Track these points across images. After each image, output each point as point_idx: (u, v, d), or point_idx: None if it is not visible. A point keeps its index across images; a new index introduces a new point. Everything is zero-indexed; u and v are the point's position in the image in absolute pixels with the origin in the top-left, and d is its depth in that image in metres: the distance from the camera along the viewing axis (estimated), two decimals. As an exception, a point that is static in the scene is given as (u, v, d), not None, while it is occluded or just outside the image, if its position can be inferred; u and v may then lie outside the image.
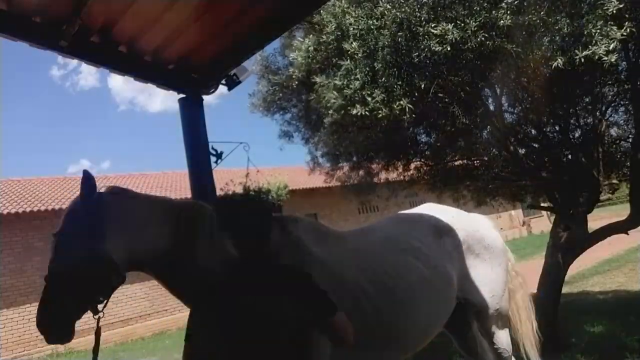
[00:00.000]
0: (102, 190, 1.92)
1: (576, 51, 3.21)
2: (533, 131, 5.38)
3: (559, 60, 3.26)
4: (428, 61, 3.72)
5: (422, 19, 3.57)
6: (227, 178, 8.51)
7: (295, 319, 1.46)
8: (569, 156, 5.27)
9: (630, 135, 5.24)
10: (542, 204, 6.64)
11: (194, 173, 3.23)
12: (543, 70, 3.68)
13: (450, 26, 3.36)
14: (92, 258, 1.70)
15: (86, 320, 1.81)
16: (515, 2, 3.43)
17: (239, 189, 7.57)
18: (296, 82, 4.96)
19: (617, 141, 5.59)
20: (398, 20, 3.64)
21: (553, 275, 5.12)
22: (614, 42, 3.13)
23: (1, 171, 20.45)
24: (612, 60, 3.14)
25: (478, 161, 5.74)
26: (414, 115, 3.92)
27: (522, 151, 5.40)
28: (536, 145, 5.35)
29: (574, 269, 7.48)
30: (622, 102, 5.14)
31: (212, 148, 3.31)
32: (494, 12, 3.40)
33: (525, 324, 3.01)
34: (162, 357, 8.71)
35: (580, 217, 4.87)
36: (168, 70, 3.27)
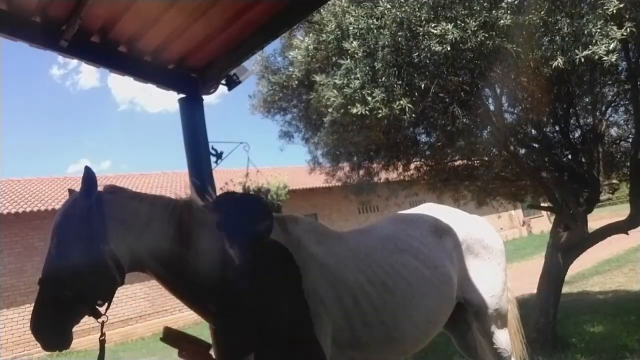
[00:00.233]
0: (99, 189, 1.86)
1: (576, 51, 3.21)
2: (533, 131, 5.38)
3: (559, 60, 3.26)
4: (428, 61, 3.72)
5: (422, 18, 3.57)
6: (227, 178, 8.54)
7: (292, 314, 1.46)
8: (569, 156, 5.27)
9: (630, 135, 5.25)
10: (542, 204, 6.66)
11: (194, 173, 3.22)
12: (543, 70, 3.68)
13: (450, 26, 3.35)
14: (92, 258, 1.65)
15: (86, 320, 1.75)
16: (515, 2, 3.43)
17: (239, 189, 7.58)
18: (296, 82, 4.96)
19: (617, 141, 5.60)
20: (398, 19, 3.64)
21: (553, 275, 5.12)
22: (614, 42, 3.13)
23: (1, 171, 20.45)
24: (612, 60, 3.14)
25: (478, 161, 5.74)
26: (414, 115, 3.93)
27: (522, 151, 5.41)
28: (536, 145, 5.36)
29: (574, 269, 7.48)
30: (622, 102, 5.15)
31: (212, 148, 3.30)
32: (494, 11, 3.40)
33: (511, 322, 3.02)
34: (162, 357, 8.70)
35: (580, 217, 4.87)
36: (168, 70, 3.27)
